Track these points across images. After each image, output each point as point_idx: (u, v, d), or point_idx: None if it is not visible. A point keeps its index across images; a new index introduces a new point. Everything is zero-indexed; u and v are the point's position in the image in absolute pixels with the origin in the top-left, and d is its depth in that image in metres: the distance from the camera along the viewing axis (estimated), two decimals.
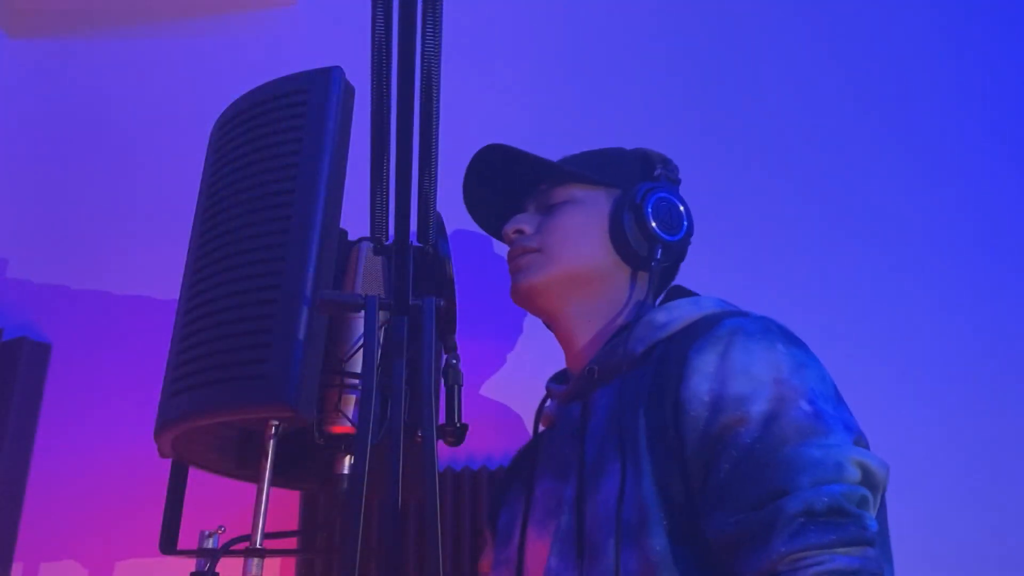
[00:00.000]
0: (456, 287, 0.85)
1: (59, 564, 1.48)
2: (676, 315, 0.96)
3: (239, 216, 0.86)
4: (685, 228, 1.03)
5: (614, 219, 1.02)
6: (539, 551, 0.95)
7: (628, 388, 0.91)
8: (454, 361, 0.88)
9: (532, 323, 1.60)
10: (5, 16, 1.93)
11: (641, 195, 1.01)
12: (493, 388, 1.54)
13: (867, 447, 0.83)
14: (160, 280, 1.62)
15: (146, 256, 1.67)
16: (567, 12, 1.87)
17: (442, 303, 0.76)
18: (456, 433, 0.85)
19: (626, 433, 0.87)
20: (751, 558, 0.74)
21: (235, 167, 0.90)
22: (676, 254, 1.05)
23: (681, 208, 1.03)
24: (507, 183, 1.10)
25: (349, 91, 0.90)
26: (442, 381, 0.88)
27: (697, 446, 0.82)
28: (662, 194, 1.01)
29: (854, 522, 0.74)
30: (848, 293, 1.64)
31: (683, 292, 1.06)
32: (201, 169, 1.00)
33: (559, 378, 1.12)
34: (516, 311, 1.62)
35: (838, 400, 0.86)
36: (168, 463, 1.01)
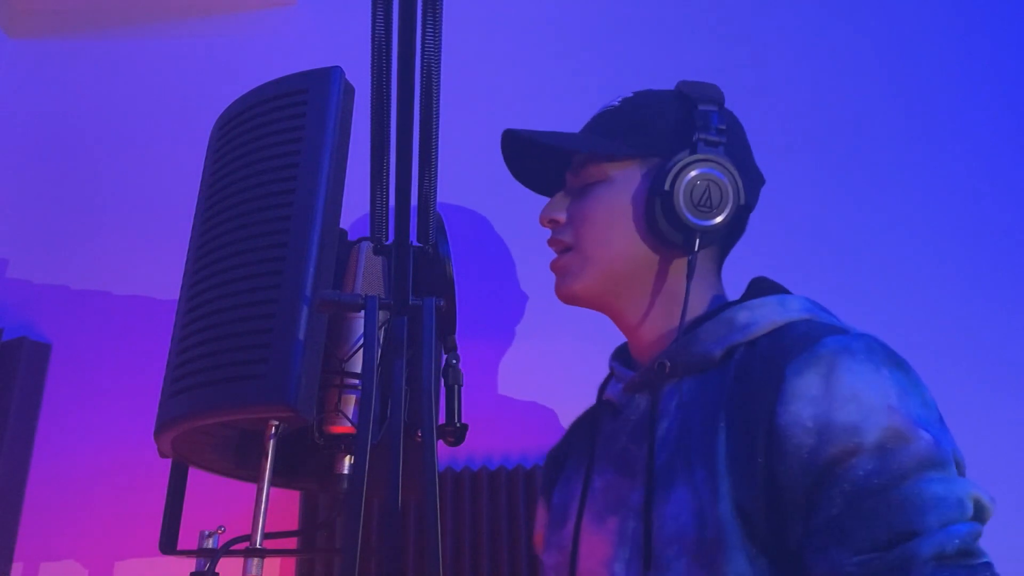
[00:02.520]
0: (456, 287, 0.85)
1: (59, 564, 1.48)
2: (759, 316, 0.88)
3: (239, 216, 0.86)
4: (732, 201, 0.91)
5: (645, 207, 0.92)
6: (596, 546, 0.90)
7: (705, 395, 0.86)
8: (454, 361, 0.88)
9: (532, 323, 1.60)
10: (5, 16, 1.93)
11: (670, 179, 0.90)
12: (493, 388, 1.54)
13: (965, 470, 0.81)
14: (160, 280, 1.63)
15: (146, 256, 1.67)
16: (567, 12, 1.87)
17: (442, 303, 0.76)
18: (456, 433, 0.85)
19: (702, 448, 0.82)
20: None
21: (235, 167, 0.90)
22: (713, 238, 0.93)
23: (723, 177, 0.91)
24: (541, 154, 1.03)
25: (349, 91, 0.90)
26: (442, 381, 0.88)
27: (798, 477, 0.76)
28: (698, 170, 0.90)
29: (982, 563, 0.72)
30: (848, 291, 1.64)
31: (766, 285, 0.96)
32: (201, 169, 1.00)
33: (622, 357, 1.04)
34: (516, 311, 1.63)
35: (942, 424, 0.81)
36: (168, 463, 1.01)
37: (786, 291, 0.94)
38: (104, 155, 1.80)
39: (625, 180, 0.95)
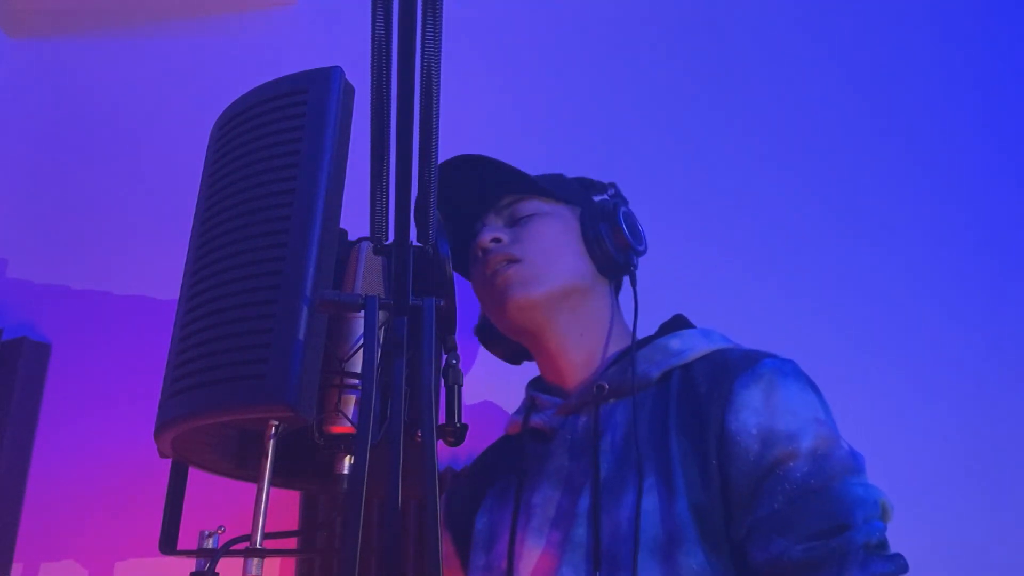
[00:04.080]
0: (456, 287, 0.85)
1: (59, 564, 1.48)
2: (690, 344, 1.01)
3: (239, 216, 0.86)
4: (644, 241, 1.10)
5: (590, 230, 1.07)
6: (536, 560, 0.95)
7: (650, 409, 0.97)
8: (454, 361, 0.88)
9: None
10: (5, 16, 1.93)
11: (612, 207, 1.07)
12: (493, 388, 1.54)
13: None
14: (160, 280, 1.62)
15: (146, 256, 1.67)
16: (567, 10, 1.87)
17: (442, 303, 0.76)
18: (456, 433, 0.85)
19: (653, 453, 0.92)
20: None
21: (235, 167, 0.90)
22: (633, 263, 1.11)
23: (637, 222, 1.11)
24: (468, 193, 1.10)
25: (349, 91, 0.90)
26: (442, 381, 0.88)
27: (745, 476, 0.89)
28: (625, 208, 1.09)
29: (896, 554, 0.85)
30: (846, 295, 1.64)
31: (684, 320, 1.10)
32: (201, 169, 1.00)
33: (542, 387, 1.13)
34: None
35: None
36: (168, 463, 1.01)
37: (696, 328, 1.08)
38: (104, 155, 1.80)
39: (561, 215, 1.09)
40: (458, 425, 0.85)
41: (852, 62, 1.85)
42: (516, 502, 1.02)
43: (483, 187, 1.10)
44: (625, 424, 0.97)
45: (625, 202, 1.15)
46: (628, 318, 1.09)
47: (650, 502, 0.89)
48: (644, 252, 1.10)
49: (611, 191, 1.14)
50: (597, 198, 1.12)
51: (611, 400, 1.01)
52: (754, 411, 0.91)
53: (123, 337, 1.62)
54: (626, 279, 1.13)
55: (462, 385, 0.88)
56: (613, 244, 1.06)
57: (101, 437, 1.55)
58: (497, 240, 1.06)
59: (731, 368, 0.95)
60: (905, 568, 0.84)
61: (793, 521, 0.85)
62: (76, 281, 1.68)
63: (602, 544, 0.90)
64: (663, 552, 0.87)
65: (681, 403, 0.95)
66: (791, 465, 0.88)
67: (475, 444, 1.23)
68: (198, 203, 0.97)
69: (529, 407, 1.10)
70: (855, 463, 0.89)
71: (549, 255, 1.05)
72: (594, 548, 0.91)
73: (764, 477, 0.88)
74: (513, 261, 1.05)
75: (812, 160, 1.75)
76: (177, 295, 0.94)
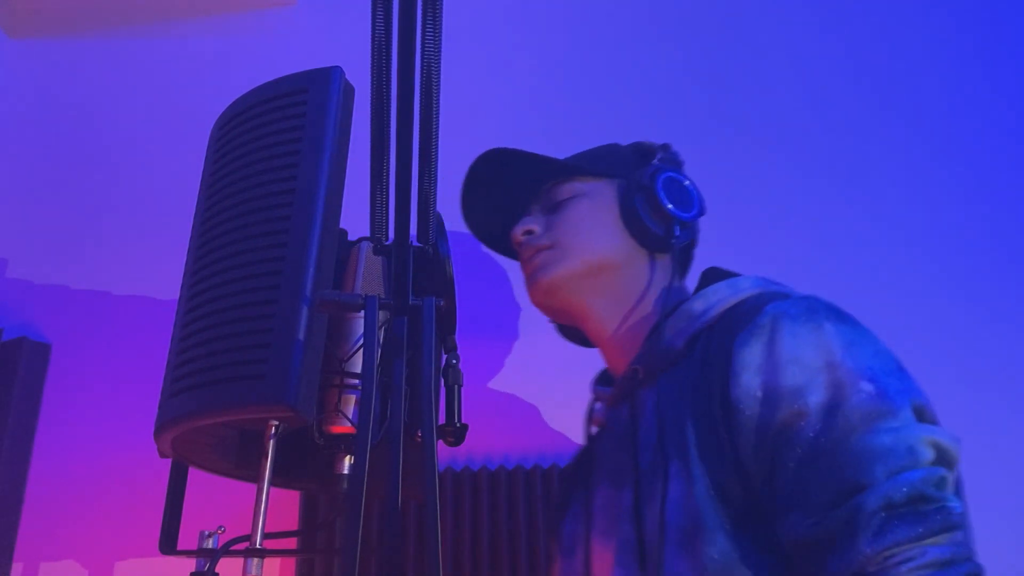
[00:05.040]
0: (456, 287, 0.85)
1: (59, 564, 1.48)
2: (713, 301, 0.91)
3: (239, 216, 0.86)
4: (697, 205, 1.00)
5: (626, 203, 0.99)
6: (606, 562, 0.91)
7: (671, 386, 0.88)
8: (454, 361, 0.88)
9: (531, 322, 1.60)
10: (5, 16, 1.93)
11: (649, 176, 0.98)
12: (493, 388, 1.54)
13: (934, 418, 0.78)
14: (160, 280, 1.63)
15: (146, 256, 1.67)
16: (567, 10, 1.87)
17: (442, 303, 0.76)
18: (456, 433, 0.85)
19: (675, 438, 0.84)
20: (836, 562, 0.70)
21: (235, 167, 0.90)
22: (691, 233, 1.02)
23: (687, 183, 1.00)
24: (506, 190, 1.07)
25: (349, 91, 0.90)
26: (442, 381, 0.88)
27: (755, 446, 0.78)
28: (669, 174, 0.99)
29: (938, 508, 0.70)
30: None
31: (719, 274, 0.99)
32: (201, 169, 1.00)
33: (603, 379, 1.08)
34: (515, 310, 1.62)
35: (900, 371, 0.80)
36: (168, 463, 1.01)
37: (737, 276, 0.97)
38: (104, 155, 1.80)
39: (599, 192, 1.02)
40: (458, 425, 0.85)
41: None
42: (586, 505, 0.98)
43: (518, 179, 1.06)
44: (658, 408, 0.89)
45: (677, 165, 1.05)
46: (693, 289, 1.00)
47: (675, 489, 0.81)
48: (697, 217, 1.00)
49: (661, 155, 1.04)
50: (646, 165, 1.02)
51: (649, 383, 0.93)
52: (756, 370, 0.79)
53: (123, 337, 1.62)
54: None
55: (462, 385, 0.88)
56: (650, 216, 0.98)
57: (101, 437, 1.55)
58: (529, 232, 1.03)
59: (734, 323, 0.84)
60: (950, 525, 0.69)
61: (804, 491, 0.74)
62: (76, 281, 1.68)
63: (644, 540, 0.83)
64: (689, 542, 0.78)
65: (699, 373, 0.85)
66: (800, 426, 0.75)
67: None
68: (198, 203, 0.97)
69: (592, 401, 1.07)
70: (883, 404, 0.75)
71: (577, 235, 0.99)
72: (638, 546, 0.84)
73: (775, 444, 0.77)
74: (543, 249, 1.01)
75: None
76: (177, 295, 0.94)
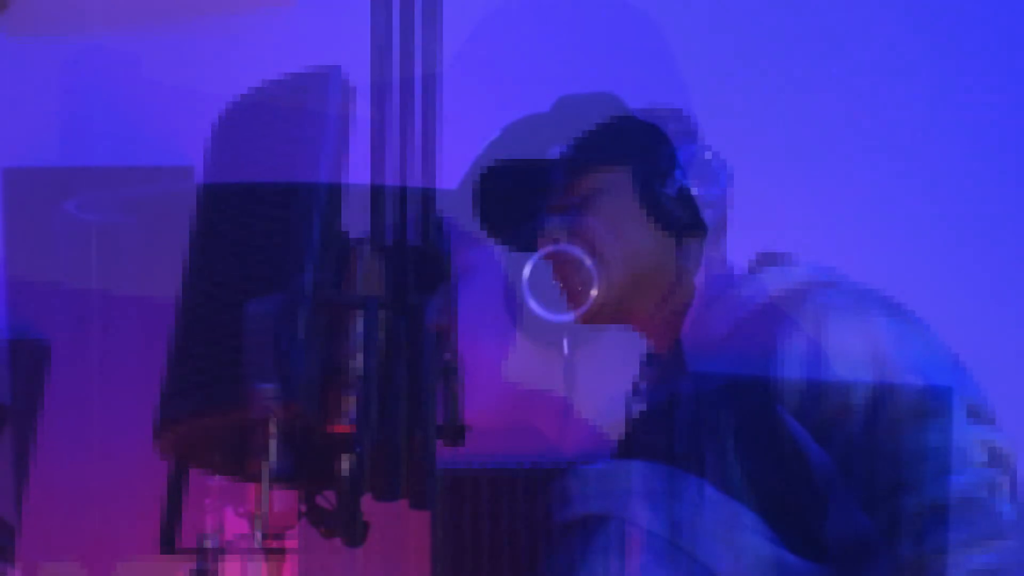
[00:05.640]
0: (456, 287, 0.85)
1: (59, 564, 1.48)
2: (759, 288, 0.89)
3: (238, 216, 0.86)
4: (724, 178, 0.95)
5: (647, 193, 0.94)
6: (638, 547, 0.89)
7: (712, 372, 0.86)
8: (454, 361, 0.88)
9: (532, 322, 1.60)
10: (5, 16, 1.93)
11: (667, 158, 0.93)
12: (493, 388, 1.54)
13: (992, 418, 0.76)
14: (160, 280, 1.62)
15: (146, 256, 1.66)
16: (567, 9, 1.87)
17: (442, 303, 0.76)
18: (456, 433, 0.85)
19: (711, 424, 0.82)
20: (876, 564, 0.69)
21: (234, 167, 0.90)
22: (722, 208, 0.97)
23: (708, 156, 0.95)
24: (517, 200, 1.04)
25: (349, 91, 0.90)
26: (441, 381, 0.88)
27: (797, 444, 0.76)
28: (687, 150, 0.94)
29: (985, 514, 0.68)
30: None
31: (771, 258, 0.96)
32: (200, 168, 0.99)
33: (648, 360, 1.05)
34: (515, 310, 1.62)
35: (954, 367, 0.78)
36: (168, 463, 1.01)
37: (788, 261, 0.94)
38: (103, 155, 1.80)
39: (616, 185, 0.96)
40: (458, 425, 0.85)
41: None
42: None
43: (528, 187, 1.03)
44: (697, 395, 0.87)
45: (692, 136, 0.98)
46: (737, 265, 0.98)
47: (711, 477, 0.79)
48: (724, 191, 0.95)
49: (673, 126, 0.97)
50: (660, 142, 0.96)
51: (689, 368, 0.91)
52: (800, 362, 0.77)
53: (123, 337, 1.62)
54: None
55: (462, 385, 0.88)
56: (675, 204, 0.92)
57: (101, 437, 1.54)
58: (555, 241, 0.99)
59: (781, 312, 0.82)
60: (999, 532, 0.67)
61: (842, 489, 0.73)
62: (76, 281, 1.68)
63: (682, 531, 0.81)
64: (724, 532, 0.77)
65: (742, 363, 0.83)
66: (844, 421, 0.74)
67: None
68: (198, 203, 0.97)
69: (638, 381, 1.05)
70: (932, 402, 0.73)
71: (611, 246, 0.94)
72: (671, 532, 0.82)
73: (817, 441, 0.75)
74: (576, 261, 0.96)
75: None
76: (177, 295, 0.94)
